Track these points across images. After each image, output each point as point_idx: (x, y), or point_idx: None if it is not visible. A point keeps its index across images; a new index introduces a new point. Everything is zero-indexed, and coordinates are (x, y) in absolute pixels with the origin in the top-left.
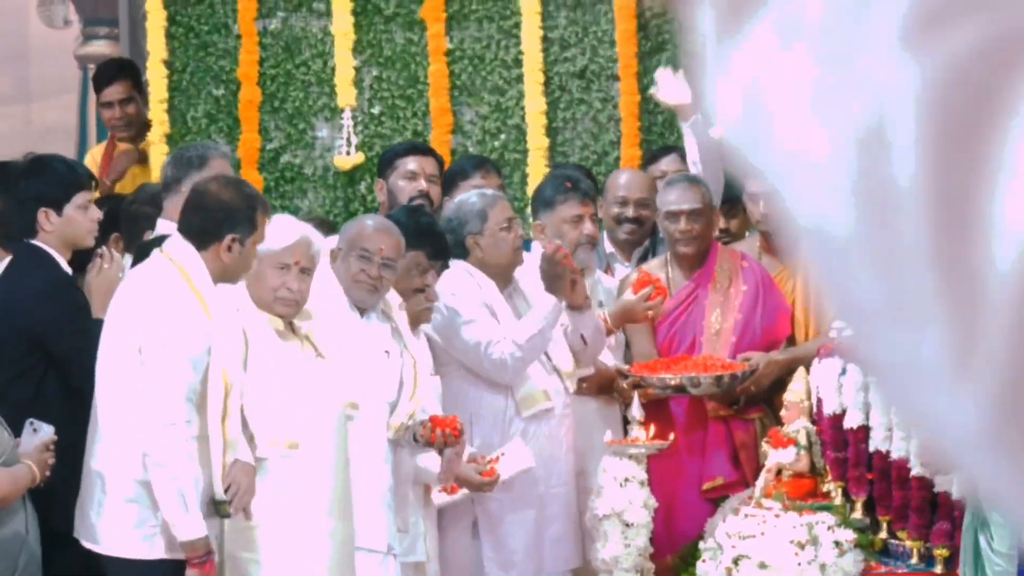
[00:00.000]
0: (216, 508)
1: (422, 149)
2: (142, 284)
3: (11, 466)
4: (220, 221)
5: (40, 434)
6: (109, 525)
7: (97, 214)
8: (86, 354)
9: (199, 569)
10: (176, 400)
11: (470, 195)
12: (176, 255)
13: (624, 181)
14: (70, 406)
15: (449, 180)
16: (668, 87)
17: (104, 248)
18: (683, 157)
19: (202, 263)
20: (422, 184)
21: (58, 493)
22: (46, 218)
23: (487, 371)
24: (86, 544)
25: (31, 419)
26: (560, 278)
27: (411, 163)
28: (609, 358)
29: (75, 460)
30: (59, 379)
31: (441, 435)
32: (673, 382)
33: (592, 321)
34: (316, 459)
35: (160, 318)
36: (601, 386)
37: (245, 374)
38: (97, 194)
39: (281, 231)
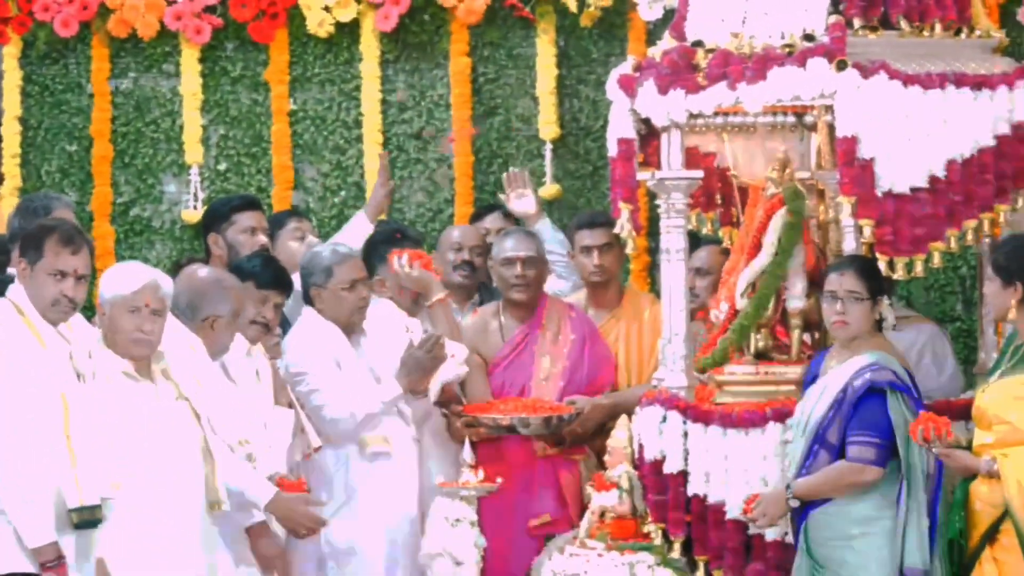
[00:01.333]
0: (70, 517)
1: (256, 204)
2: None
3: None
4: (8, 251)
5: None
6: None
7: None
8: None
9: (53, 573)
10: (20, 420)
11: (325, 248)
12: (13, 296)
13: (458, 232)
14: None
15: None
16: (518, 200)
17: None
18: (506, 215)
19: (25, 296)
20: (261, 238)
21: None
22: None
23: (325, 428)
24: None
25: None
26: (423, 369)
27: (249, 219)
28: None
29: None
30: None
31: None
32: (504, 422)
33: (425, 406)
34: (173, 493)
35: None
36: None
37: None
38: None
39: (129, 276)
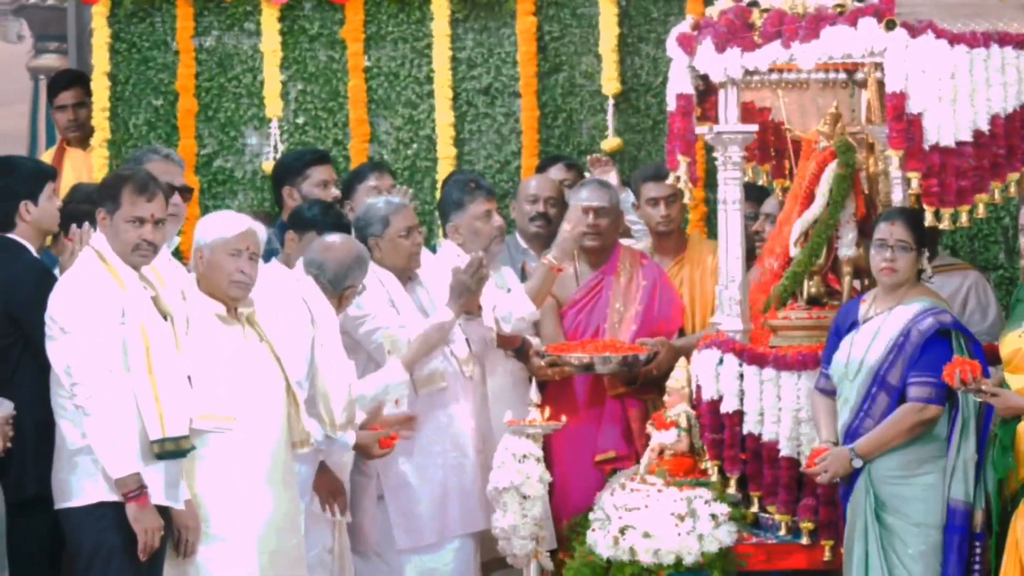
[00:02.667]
0: (152, 448)
1: (327, 158)
2: (69, 274)
3: None
4: (95, 200)
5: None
6: (67, 480)
7: (59, 202)
8: None
9: (135, 503)
10: (98, 356)
11: (379, 200)
12: (95, 241)
13: (534, 184)
14: (44, 383)
15: (348, 185)
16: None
17: (77, 230)
18: (568, 166)
19: (107, 243)
20: (334, 191)
21: (30, 464)
22: (25, 209)
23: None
24: (60, 505)
25: None
26: (470, 291)
27: (323, 173)
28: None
29: (48, 433)
30: (33, 358)
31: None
32: (586, 360)
33: (479, 330)
34: (258, 432)
35: (76, 294)
36: (502, 345)
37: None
38: None
39: (231, 222)
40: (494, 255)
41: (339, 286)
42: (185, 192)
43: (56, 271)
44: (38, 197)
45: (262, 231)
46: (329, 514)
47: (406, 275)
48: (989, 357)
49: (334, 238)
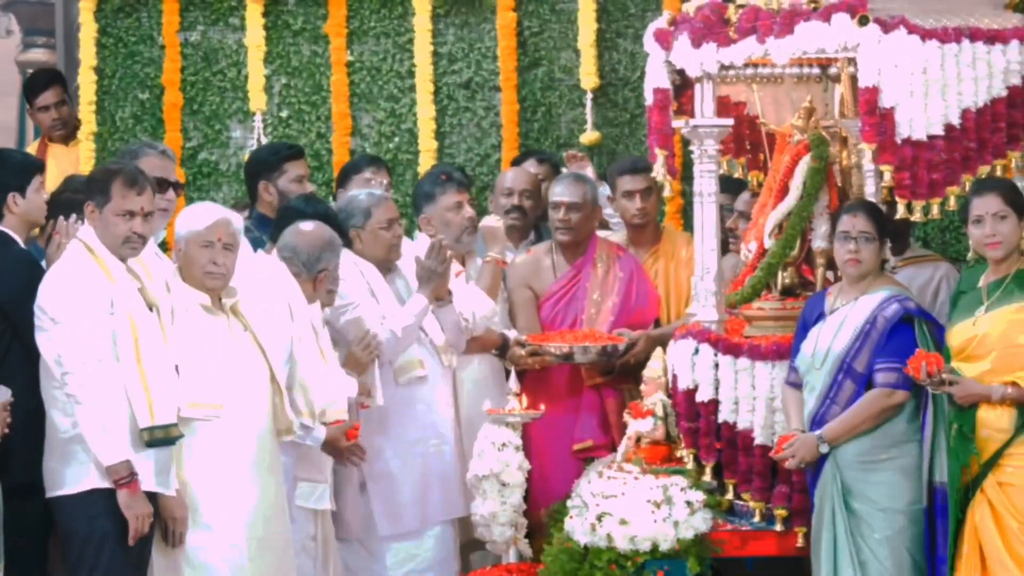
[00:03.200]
0: (141, 436)
1: (300, 151)
2: (57, 265)
3: None
4: (84, 193)
5: None
6: (58, 468)
7: (46, 194)
8: None
9: (127, 489)
10: (88, 346)
11: (360, 192)
12: (83, 234)
13: (509, 176)
14: (33, 373)
15: (344, 174)
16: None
17: (64, 222)
18: (541, 160)
19: (95, 235)
20: (308, 186)
21: (18, 452)
22: (13, 201)
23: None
24: (52, 493)
25: None
26: (436, 274)
27: (299, 168)
28: (496, 326)
29: (38, 421)
30: (22, 348)
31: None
32: (565, 350)
33: (452, 315)
34: (244, 420)
35: (65, 285)
36: (484, 348)
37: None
38: None
39: (203, 214)
40: (466, 246)
41: (312, 269)
42: (178, 187)
43: (43, 263)
44: (26, 189)
45: (238, 220)
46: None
47: (386, 266)
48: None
49: (307, 224)
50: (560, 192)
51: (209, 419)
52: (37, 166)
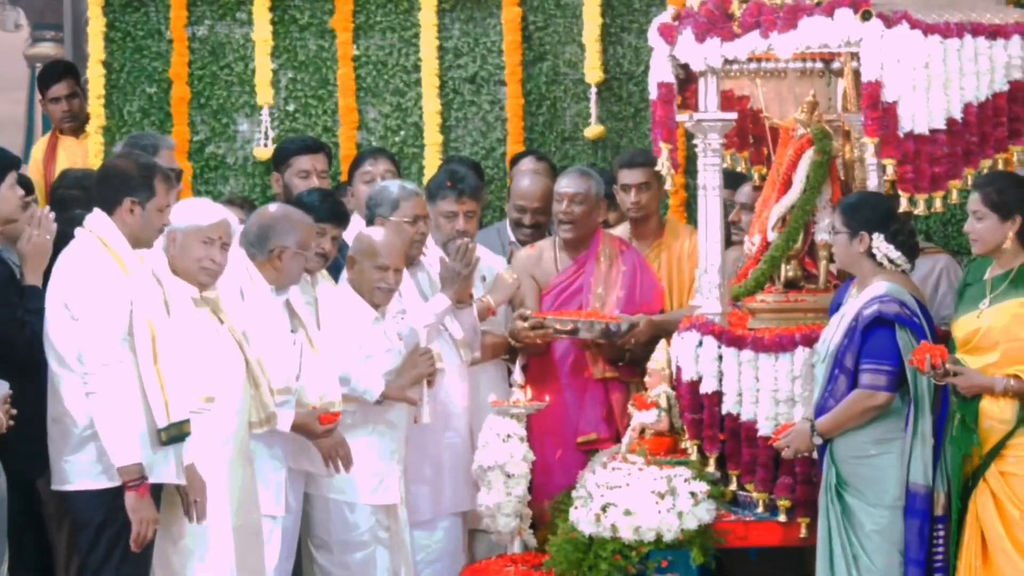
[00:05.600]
0: (159, 436)
1: (313, 147)
2: (68, 256)
3: None
4: (118, 187)
5: None
6: (72, 464)
7: (21, 191)
8: (13, 324)
9: (135, 492)
10: (107, 344)
11: (393, 183)
12: (94, 226)
13: (524, 191)
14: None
15: (350, 169)
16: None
17: (37, 212)
18: (538, 157)
19: (116, 229)
20: (314, 181)
21: (15, 444)
22: None
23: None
24: (56, 487)
25: None
26: (460, 275)
27: (305, 162)
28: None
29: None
30: None
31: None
32: (569, 325)
33: (470, 318)
34: (227, 413)
35: (83, 279)
36: (496, 354)
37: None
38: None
39: (206, 211)
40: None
41: (263, 248)
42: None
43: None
44: None
45: (235, 221)
46: (333, 470)
47: (408, 260)
48: (942, 342)
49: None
50: (565, 184)
51: (200, 412)
52: (12, 162)
